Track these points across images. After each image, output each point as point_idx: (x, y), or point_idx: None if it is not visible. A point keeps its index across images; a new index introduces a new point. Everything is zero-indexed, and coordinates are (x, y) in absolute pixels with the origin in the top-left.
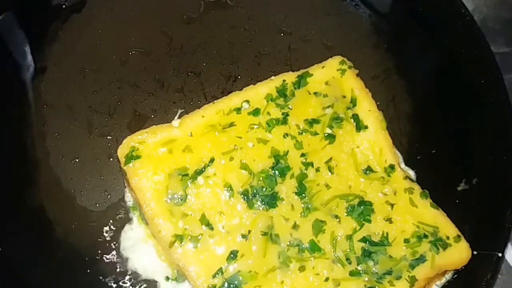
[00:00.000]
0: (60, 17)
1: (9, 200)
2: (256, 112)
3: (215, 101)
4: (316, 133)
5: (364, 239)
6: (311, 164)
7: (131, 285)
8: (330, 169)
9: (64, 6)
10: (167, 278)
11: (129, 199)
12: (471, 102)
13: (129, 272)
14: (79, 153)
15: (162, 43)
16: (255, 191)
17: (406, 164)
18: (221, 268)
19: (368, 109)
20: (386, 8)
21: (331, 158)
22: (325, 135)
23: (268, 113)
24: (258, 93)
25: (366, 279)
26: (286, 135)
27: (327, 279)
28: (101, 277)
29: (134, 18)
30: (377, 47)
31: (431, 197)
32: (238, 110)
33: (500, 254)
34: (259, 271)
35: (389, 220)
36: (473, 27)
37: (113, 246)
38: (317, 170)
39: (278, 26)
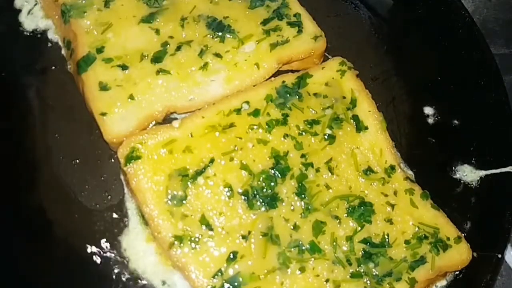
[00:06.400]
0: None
1: (9, 200)
2: (256, 113)
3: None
4: (316, 134)
5: (364, 241)
6: (311, 165)
7: (130, 285)
8: (330, 170)
9: None
10: (163, 283)
11: (129, 199)
12: (471, 104)
13: (129, 273)
14: (79, 154)
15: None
16: (255, 191)
17: (406, 165)
18: (220, 269)
19: (368, 110)
20: (386, 9)
21: (331, 159)
22: (325, 135)
23: (268, 114)
24: (258, 94)
25: (366, 280)
26: (286, 135)
27: (327, 281)
28: (101, 278)
29: None
30: (377, 48)
31: (431, 198)
32: (238, 111)
33: (499, 256)
34: (259, 272)
35: (390, 221)
36: (473, 28)
37: (113, 247)
38: (317, 170)
39: None
